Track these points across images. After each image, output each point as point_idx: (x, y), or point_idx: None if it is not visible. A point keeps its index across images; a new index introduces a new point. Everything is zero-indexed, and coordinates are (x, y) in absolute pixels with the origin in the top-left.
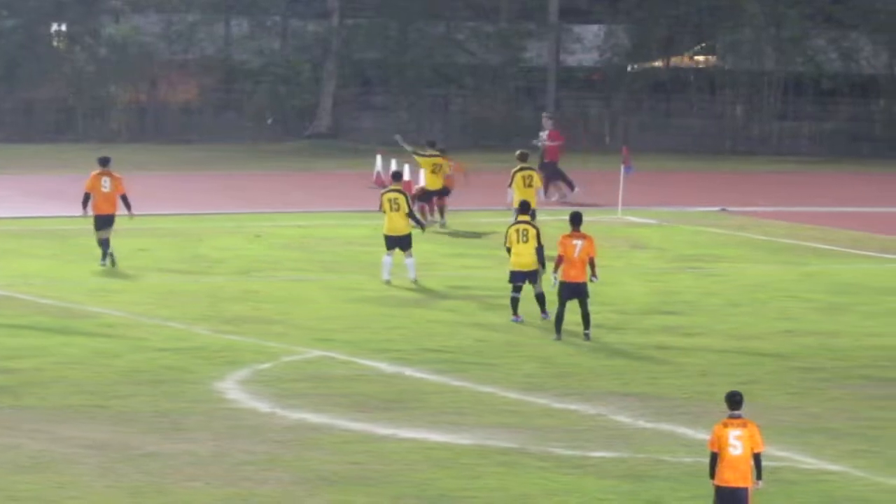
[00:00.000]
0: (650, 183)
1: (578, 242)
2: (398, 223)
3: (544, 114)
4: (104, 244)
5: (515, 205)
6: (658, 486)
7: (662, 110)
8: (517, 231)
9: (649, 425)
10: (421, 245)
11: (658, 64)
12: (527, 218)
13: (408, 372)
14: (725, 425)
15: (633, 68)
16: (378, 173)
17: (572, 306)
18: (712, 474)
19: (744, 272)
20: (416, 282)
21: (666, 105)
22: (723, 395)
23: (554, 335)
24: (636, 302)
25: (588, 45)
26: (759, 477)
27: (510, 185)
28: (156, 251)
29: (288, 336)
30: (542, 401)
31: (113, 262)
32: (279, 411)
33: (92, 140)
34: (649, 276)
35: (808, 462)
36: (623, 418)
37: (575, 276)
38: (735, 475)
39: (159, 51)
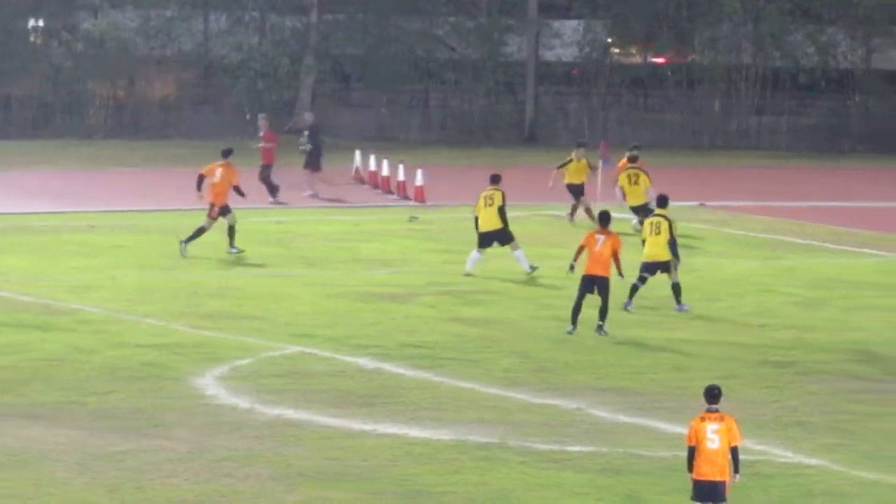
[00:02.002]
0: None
1: (601, 237)
2: (491, 219)
3: (260, 115)
4: (197, 232)
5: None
6: (636, 480)
7: (641, 105)
8: (651, 223)
9: (627, 420)
10: (402, 240)
11: (637, 59)
12: (663, 212)
13: (387, 367)
14: (703, 419)
15: (611, 61)
16: (357, 169)
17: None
18: (690, 468)
19: (722, 267)
20: (531, 271)
21: (644, 100)
22: (701, 390)
23: (569, 326)
24: (614, 296)
25: (567, 40)
26: (736, 471)
27: (618, 183)
28: (135, 248)
29: (267, 332)
30: (521, 396)
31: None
32: (258, 407)
33: (70, 136)
34: (627, 271)
35: (786, 456)
36: (601, 413)
37: (595, 269)
38: (712, 469)
39: (137, 46)
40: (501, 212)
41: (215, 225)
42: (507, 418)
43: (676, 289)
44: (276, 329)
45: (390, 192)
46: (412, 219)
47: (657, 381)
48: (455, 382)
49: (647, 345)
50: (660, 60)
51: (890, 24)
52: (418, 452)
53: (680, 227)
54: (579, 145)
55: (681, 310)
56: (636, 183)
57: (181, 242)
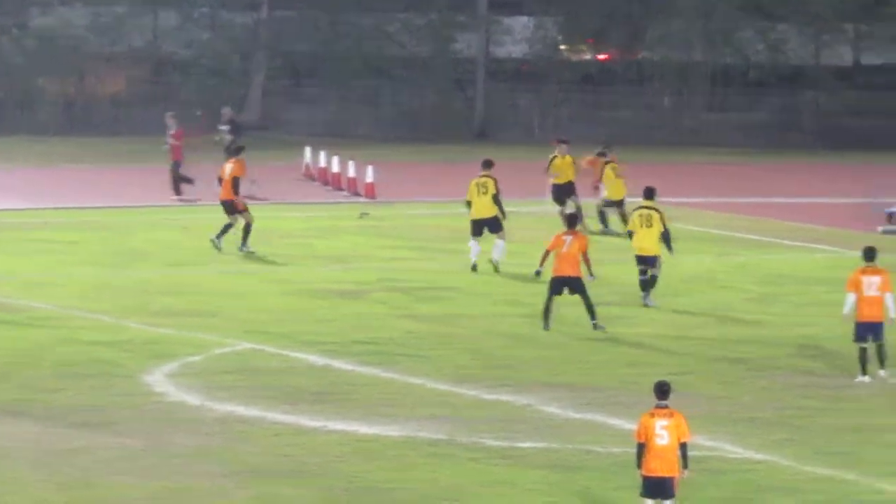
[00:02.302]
0: (580, 174)
1: (568, 238)
2: (484, 206)
3: (168, 114)
4: (224, 228)
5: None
6: (587, 476)
7: (592, 102)
8: (641, 216)
9: (579, 416)
10: (353, 237)
11: (586, 56)
12: (651, 203)
13: (338, 364)
14: (652, 415)
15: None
16: (307, 165)
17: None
18: (639, 464)
19: (676, 263)
20: (497, 265)
21: (595, 96)
22: (652, 385)
23: (542, 324)
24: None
25: (518, 36)
26: (685, 466)
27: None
28: (87, 244)
29: (218, 328)
30: (472, 392)
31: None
32: (209, 404)
33: (21, 133)
34: (581, 268)
35: (736, 451)
36: (553, 409)
37: (564, 270)
38: (661, 465)
39: (88, 43)
40: (496, 199)
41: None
42: (458, 414)
43: (653, 281)
44: (228, 325)
45: (341, 189)
46: (363, 215)
47: (610, 377)
48: (406, 379)
49: (601, 340)
50: (603, 57)
51: (839, 20)
52: (369, 449)
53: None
54: (560, 142)
55: (648, 304)
56: (620, 176)
57: (240, 247)
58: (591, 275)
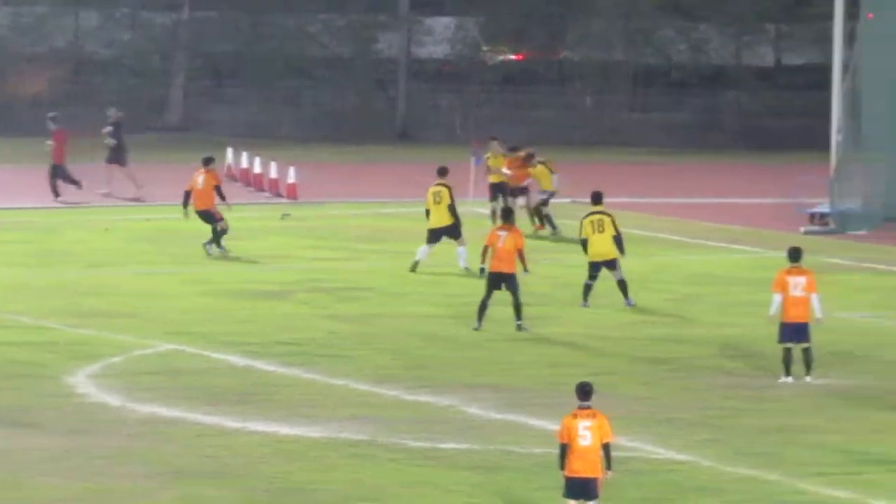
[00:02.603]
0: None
1: (503, 234)
2: (441, 215)
3: (49, 114)
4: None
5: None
6: (508, 477)
7: (513, 102)
8: (592, 222)
9: (500, 416)
10: (275, 238)
11: (511, 56)
12: (601, 208)
13: (260, 365)
14: (575, 416)
15: (490, 58)
16: (229, 166)
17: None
18: (562, 465)
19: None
20: (467, 269)
21: (516, 97)
22: (574, 386)
23: (475, 323)
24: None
25: (439, 37)
26: (608, 467)
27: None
28: (7, 245)
29: (139, 329)
30: (393, 393)
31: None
32: (131, 405)
33: None
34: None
35: (658, 452)
36: (474, 410)
37: (499, 266)
38: (584, 466)
39: (8, 43)
40: (451, 209)
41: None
42: (380, 415)
43: (623, 285)
44: (149, 327)
45: (263, 190)
46: (284, 216)
47: (532, 378)
48: (328, 379)
49: (524, 341)
50: (518, 57)
51: (761, 20)
52: (290, 450)
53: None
54: (492, 139)
55: (629, 304)
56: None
57: (206, 244)
58: (525, 270)
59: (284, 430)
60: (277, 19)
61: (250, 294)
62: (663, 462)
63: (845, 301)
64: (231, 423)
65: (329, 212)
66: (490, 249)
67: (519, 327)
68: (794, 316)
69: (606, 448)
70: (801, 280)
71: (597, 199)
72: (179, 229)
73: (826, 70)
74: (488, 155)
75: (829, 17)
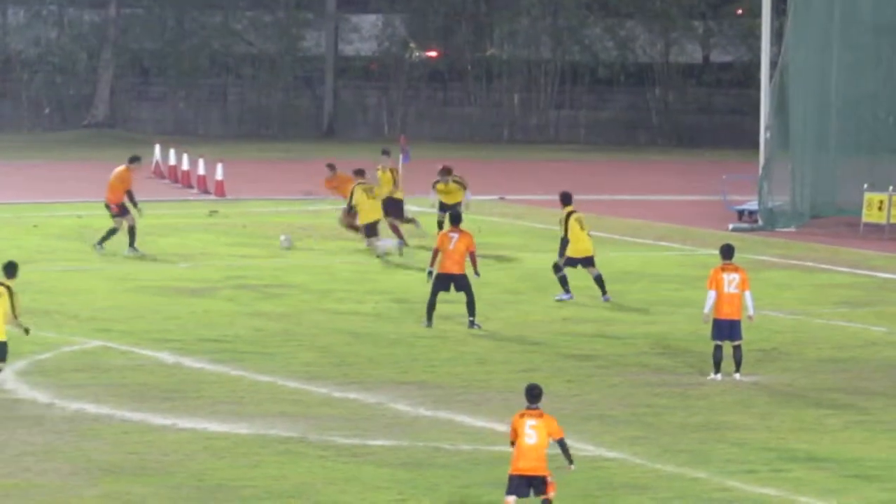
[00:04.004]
0: (428, 171)
1: (454, 236)
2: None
3: None
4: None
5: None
6: (436, 473)
7: (440, 99)
8: (579, 220)
9: (428, 413)
10: (201, 234)
11: (427, 53)
12: (573, 207)
13: (186, 362)
14: (522, 416)
15: (414, 56)
16: (157, 163)
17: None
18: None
19: (522, 261)
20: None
21: (443, 94)
22: (501, 383)
23: (424, 321)
24: (416, 291)
25: (366, 34)
26: (569, 461)
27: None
28: None
29: (66, 326)
30: (321, 390)
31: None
32: (58, 402)
33: None
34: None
35: (587, 449)
36: (402, 407)
37: (450, 267)
38: (528, 464)
39: None
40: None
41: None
42: (308, 412)
43: (601, 281)
44: (76, 324)
45: (190, 187)
46: (212, 213)
47: (459, 375)
48: (255, 376)
49: (450, 338)
50: (433, 54)
51: (687, 18)
52: (218, 447)
53: (481, 222)
54: (383, 153)
55: (606, 300)
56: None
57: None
58: (477, 273)
59: (212, 426)
60: (203, 16)
61: (177, 291)
62: (593, 459)
63: (772, 298)
64: (158, 420)
65: (255, 209)
66: (440, 252)
67: (471, 324)
68: (728, 313)
69: (562, 444)
70: (736, 277)
71: (568, 199)
72: (106, 226)
73: (754, 67)
74: (378, 168)
75: (757, 13)
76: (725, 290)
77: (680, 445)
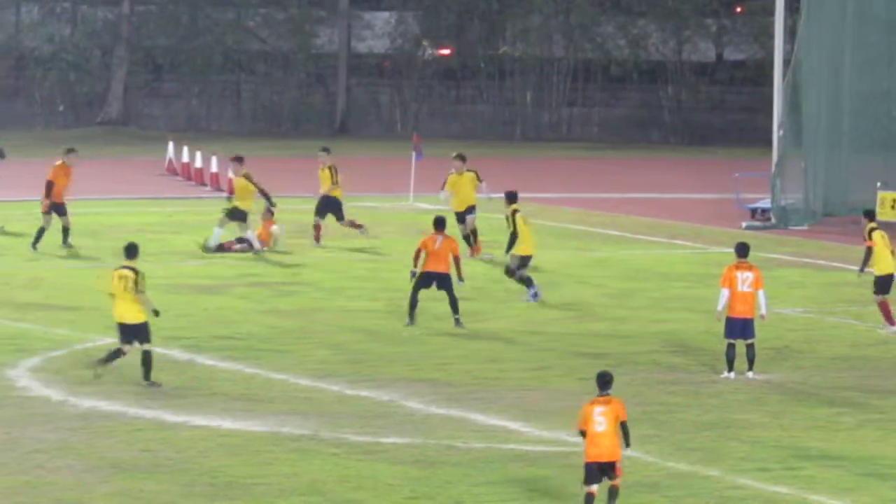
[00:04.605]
0: (441, 169)
1: (439, 238)
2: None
3: None
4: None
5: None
6: (449, 471)
7: (452, 97)
8: (524, 218)
9: (441, 411)
10: (211, 232)
11: (440, 51)
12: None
13: (200, 359)
14: (592, 403)
15: (427, 54)
16: (170, 160)
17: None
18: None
19: (535, 258)
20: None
21: (456, 92)
22: (514, 381)
23: (406, 319)
24: (428, 289)
25: (378, 31)
26: (627, 444)
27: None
28: None
29: (79, 324)
30: (334, 387)
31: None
32: (71, 399)
33: None
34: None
35: None
36: (414, 404)
37: (436, 266)
38: (600, 451)
39: None
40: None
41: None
42: (321, 410)
43: (530, 281)
44: (89, 321)
45: (204, 184)
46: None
47: (471, 373)
48: (268, 374)
49: (462, 336)
50: (446, 52)
51: (699, 16)
52: (231, 444)
53: (492, 219)
54: (322, 150)
55: (527, 300)
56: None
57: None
58: (461, 279)
59: (225, 424)
60: (216, 13)
61: (189, 288)
62: None
63: (784, 296)
64: (171, 418)
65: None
66: (423, 252)
67: (457, 322)
68: (741, 312)
69: (623, 426)
70: (749, 276)
71: (514, 197)
72: (120, 223)
73: (767, 65)
74: (319, 167)
75: (771, 12)
76: (739, 288)
77: (692, 443)
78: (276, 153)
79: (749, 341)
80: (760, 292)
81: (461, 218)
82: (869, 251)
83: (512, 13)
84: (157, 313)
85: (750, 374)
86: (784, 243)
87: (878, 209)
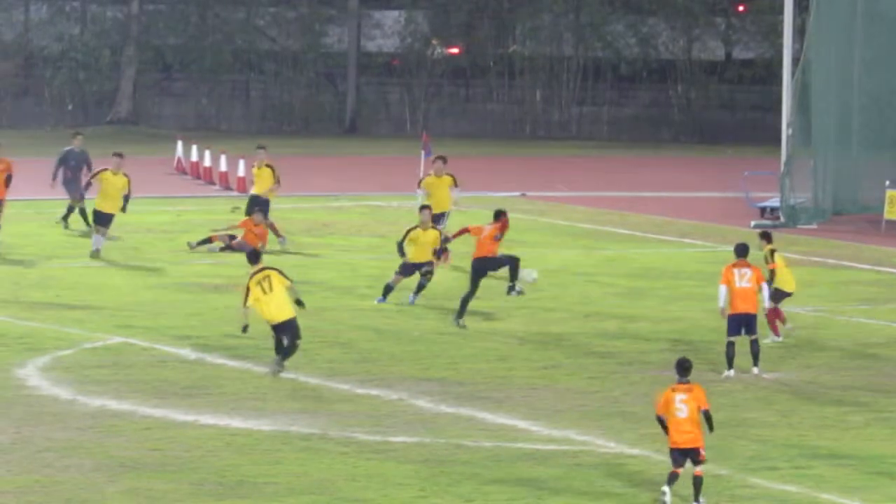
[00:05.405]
0: (451, 168)
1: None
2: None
3: None
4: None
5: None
6: (458, 470)
7: (462, 96)
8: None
9: (450, 410)
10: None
11: (449, 50)
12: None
13: (209, 358)
14: (673, 390)
15: (436, 53)
16: (179, 159)
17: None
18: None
19: (544, 257)
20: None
21: (465, 90)
22: (523, 380)
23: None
24: (438, 288)
25: (388, 30)
26: (710, 429)
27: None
28: None
29: (88, 322)
30: (343, 386)
31: None
32: (80, 398)
33: None
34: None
35: (608, 446)
36: (424, 403)
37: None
38: (683, 437)
39: None
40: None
41: None
42: (330, 409)
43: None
44: (98, 320)
45: (213, 183)
46: (234, 209)
47: (480, 372)
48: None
49: (471, 335)
50: (455, 51)
51: (709, 15)
52: (240, 443)
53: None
54: (259, 147)
55: (412, 302)
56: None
57: None
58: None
59: (234, 423)
60: (226, 12)
61: (198, 287)
62: (614, 455)
63: (794, 295)
64: (180, 417)
65: (277, 205)
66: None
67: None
68: (742, 308)
69: (706, 414)
70: (748, 272)
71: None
72: (127, 222)
73: (776, 64)
74: (254, 165)
75: (780, 10)
76: (737, 284)
77: None
78: (286, 152)
79: (752, 337)
80: (763, 285)
81: (436, 219)
82: (772, 273)
83: (522, 12)
84: (302, 304)
85: (755, 369)
86: (793, 242)
87: (886, 207)
